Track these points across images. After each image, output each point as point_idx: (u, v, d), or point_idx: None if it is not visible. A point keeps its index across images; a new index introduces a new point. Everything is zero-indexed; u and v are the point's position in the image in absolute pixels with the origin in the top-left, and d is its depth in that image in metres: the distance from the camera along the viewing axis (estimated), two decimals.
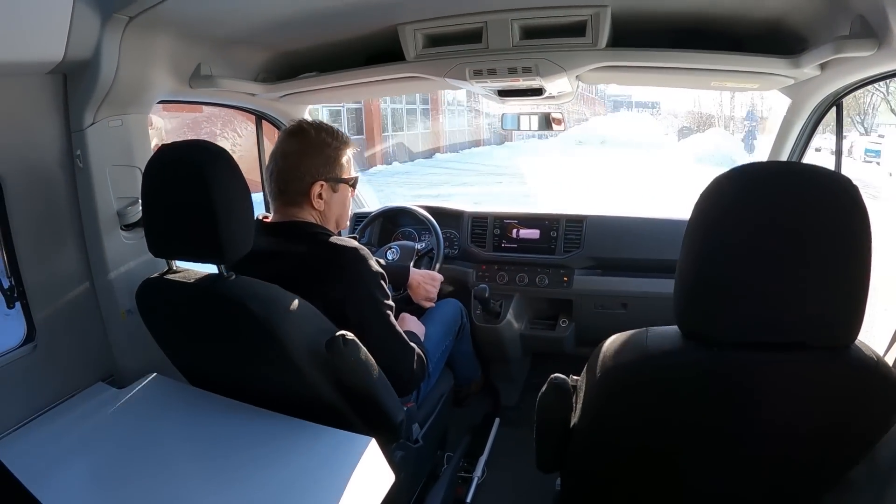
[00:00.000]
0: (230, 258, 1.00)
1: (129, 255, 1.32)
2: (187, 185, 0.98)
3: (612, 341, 0.86)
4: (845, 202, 0.68)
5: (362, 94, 1.79)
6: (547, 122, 1.99)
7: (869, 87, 1.36)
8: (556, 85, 1.47)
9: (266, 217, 1.29)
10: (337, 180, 1.27)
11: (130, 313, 1.29)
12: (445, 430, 1.74)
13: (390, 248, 1.95)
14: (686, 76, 1.39)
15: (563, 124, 2.02)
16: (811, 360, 0.73)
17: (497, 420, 2.04)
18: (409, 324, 1.48)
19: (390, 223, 2.15)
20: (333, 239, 1.21)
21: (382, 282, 1.23)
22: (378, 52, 1.51)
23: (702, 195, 0.74)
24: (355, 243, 1.21)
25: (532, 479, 1.35)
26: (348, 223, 2.26)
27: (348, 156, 1.29)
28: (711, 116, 26.36)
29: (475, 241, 2.08)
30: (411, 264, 1.81)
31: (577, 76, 1.43)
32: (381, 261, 1.72)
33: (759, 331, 0.72)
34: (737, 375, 0.76)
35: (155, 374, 1.26)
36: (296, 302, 1.04)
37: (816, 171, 0.70)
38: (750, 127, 19.90)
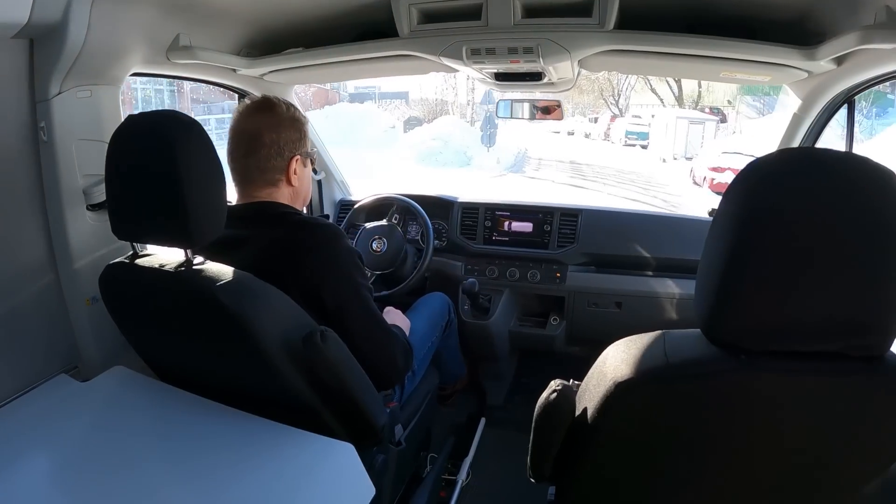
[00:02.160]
0: (198, 241, 0.92)
1: (95, 238, 1.25)
2: (154, 160, 0.90)
3: (622, 346, 0.77)
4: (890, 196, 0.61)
5: (351, 74, 1.74)
6: (544, 110, 1.94)
7: None
8: (558, 70, 1.42)
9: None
10: (307, 155, 1.23)
11: (96, 300, 1.22)
12: (429, 431, 1.69)
13: (375, 238, 1.88)
14: (695, 64, 1.34)
15: (560, 114, 1.96)
16: (849, 371, 0.66)
17: (483, 420, 1.99)
18: (394, 318, 1.42)
19: (377, 212, 2.07)
20: (304, 218, 1.17)
21: (360, 262, 1.17)
22: (369, 28, 1.45)
23: (735, 182, 0.66)
24: (328, 221, 1.17)
25: (518, 483, 1.30)
26: (328, 209, 2.21)
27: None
28: (445, 102, 23.38)
29: (465, 233, 2.02)
30: None
31: (579, 61, 1.38)
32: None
33: (795, 338, 0.65)
34: (768, 388, 0.69)
35: (121, 366, 1.19)
36: (271, 292, 0.96)
37: (861, 162, 0.63)
38: (489, 112, 15.85)
